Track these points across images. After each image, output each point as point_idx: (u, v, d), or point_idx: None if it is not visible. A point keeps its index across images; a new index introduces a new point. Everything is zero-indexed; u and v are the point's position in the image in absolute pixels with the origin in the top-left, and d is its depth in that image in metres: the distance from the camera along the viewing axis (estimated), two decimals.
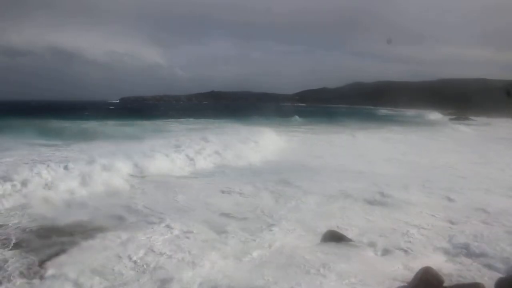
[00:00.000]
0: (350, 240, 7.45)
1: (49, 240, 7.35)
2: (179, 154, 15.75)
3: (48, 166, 11.56)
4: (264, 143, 20.23)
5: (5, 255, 6.64)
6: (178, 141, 18.37)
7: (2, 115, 36.79)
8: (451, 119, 60.31)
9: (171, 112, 60.50)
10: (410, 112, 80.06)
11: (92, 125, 31.48)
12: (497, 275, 5.72)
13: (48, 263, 6.33)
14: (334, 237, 7.42)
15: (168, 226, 8.10)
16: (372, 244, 7.38)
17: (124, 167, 13.18)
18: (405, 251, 7.10)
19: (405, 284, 5.64)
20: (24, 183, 10.33)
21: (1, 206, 9.29)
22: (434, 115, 64.70)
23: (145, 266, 6.28)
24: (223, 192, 11.29)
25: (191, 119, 42.64)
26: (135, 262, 6.42)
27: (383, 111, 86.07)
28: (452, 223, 8.63)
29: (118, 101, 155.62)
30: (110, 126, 31.29)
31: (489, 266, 6.33)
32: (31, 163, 12.42)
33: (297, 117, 49.69)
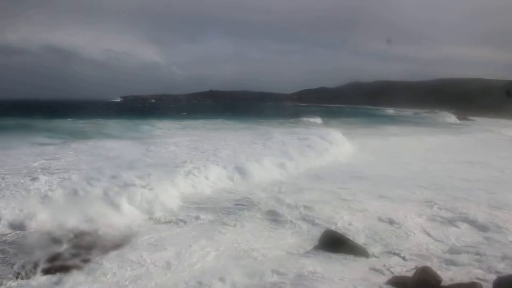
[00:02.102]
0: (348, 239, 7.41)
1: None
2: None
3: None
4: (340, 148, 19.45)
5: None
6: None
7: (8, 115, 35.27)
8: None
9: (187, 112, 57.49)
10: (408, 112, 79.85)
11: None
12: (495, 275, 5.70)
13: None
14: (332, 238, 7.37)
15: None
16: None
17: None
18: (405, 252, 7.10)
19: (404, 284, 5.60)
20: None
21: None
22: (448, 117, 60.87)
23: None
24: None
25: (213, 119, 39.25)
26: None
27: (389, 111, 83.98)
28: (456, 226, 8.62)
29: (120, 100, 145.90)
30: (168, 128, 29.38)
31: (488, 266, 6.30)
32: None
33: (319, 118, 43.37)
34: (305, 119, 42.74)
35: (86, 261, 6.56)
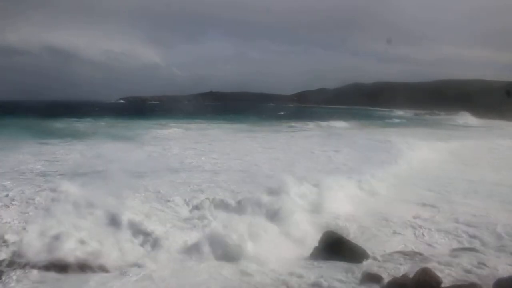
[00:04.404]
0: (348, 240, 7.40)
1: None
2: None
3: None
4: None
5: None
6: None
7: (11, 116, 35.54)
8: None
9: (204, 114, 54.83)
10: (408, 113, 79.50)
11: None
12: (495, 276, 5.69)
13: None
14: (332, 239, 7.35)
15: None
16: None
17: None
18: (405, 253, 7.09)
19: (404, 285, 5.59)
20: None
21: None
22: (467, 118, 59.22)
23: None
24: None
25: (235, 123, 37.94)
26: None
27: (399, 113, 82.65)
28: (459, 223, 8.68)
29: (123, 102, 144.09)
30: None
31: (488, 267, 6.30)
32: None
33: (343, 122, 41.41)
34: (326, 122, 40.71)
35: None
